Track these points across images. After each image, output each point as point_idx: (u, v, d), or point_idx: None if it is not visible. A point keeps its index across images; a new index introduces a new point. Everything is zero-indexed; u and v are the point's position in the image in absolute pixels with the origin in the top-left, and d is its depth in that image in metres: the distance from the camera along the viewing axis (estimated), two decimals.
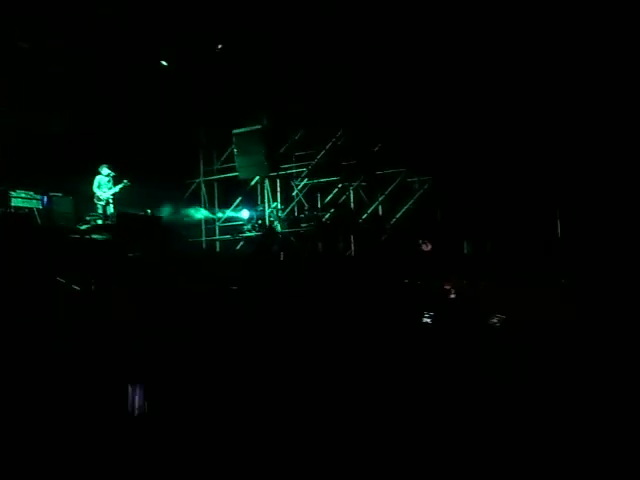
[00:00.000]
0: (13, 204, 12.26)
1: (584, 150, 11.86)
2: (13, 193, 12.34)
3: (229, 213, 16.70)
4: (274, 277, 10.50)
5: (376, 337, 7.26)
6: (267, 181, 16.18)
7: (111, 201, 13.66)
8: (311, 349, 6.85)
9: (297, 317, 8.28)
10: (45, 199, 13.00)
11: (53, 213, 13.05)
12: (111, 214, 13.55)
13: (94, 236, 12.54)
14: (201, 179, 16.99)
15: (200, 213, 16.87)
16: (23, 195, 12.59)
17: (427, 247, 13.03)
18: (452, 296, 9.80)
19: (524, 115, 12.33)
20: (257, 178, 16.36)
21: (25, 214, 12.31)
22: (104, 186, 13.61)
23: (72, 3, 12.16)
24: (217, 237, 16.80)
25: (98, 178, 13.58)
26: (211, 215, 16.88)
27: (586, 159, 11.82)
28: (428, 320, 8.39)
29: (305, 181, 15.80)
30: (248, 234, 15.72)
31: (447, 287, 9.96)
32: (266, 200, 16.18)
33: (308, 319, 8.05)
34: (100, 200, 13.55)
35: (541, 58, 11.87)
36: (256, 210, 16.13)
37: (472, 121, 12.96)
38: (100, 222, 13.44)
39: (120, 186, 13.61)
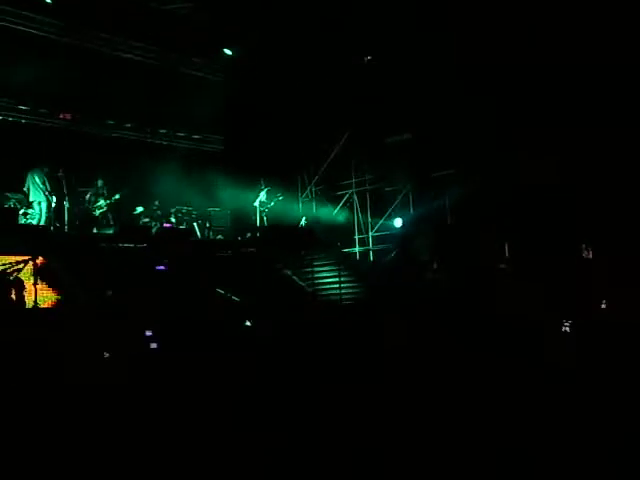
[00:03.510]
0: (173, 219, 13.24)
1: None
2: (172, 209, 13.31)
3: (382, 222, 16.71)
4: None
5: None
6: None
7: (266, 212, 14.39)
8: None
9: None
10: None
11: (211, 227, 13.93)
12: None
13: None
14: (353, 190, 17.18)
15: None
16: (184, 210, 13.54)
17: None
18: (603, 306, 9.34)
19: None
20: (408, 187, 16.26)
21: (186, 229, 13.19)
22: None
23: None
24: (371, 247, 16.89)
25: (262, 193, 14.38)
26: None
27: None
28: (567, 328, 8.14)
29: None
30: None
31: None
32: None
33: None
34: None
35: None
36: None
37: None
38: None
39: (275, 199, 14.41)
